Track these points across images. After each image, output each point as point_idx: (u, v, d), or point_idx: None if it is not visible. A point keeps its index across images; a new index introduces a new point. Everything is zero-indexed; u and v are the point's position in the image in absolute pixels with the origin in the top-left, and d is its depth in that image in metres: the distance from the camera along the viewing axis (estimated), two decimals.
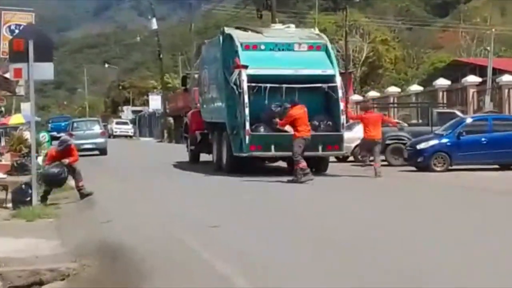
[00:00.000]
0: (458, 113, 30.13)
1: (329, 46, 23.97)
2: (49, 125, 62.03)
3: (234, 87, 22.28)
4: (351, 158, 29.62)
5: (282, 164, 24.25)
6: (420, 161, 24.43)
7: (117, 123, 79.11)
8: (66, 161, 16.77)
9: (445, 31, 79.04)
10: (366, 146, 22.46)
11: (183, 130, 33.86)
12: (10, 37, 21.77)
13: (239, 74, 22.08)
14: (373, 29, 66.04)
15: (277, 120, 21.04)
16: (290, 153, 20.28)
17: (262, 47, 23.22)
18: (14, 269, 9.53)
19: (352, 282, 7.99)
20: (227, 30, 24.37)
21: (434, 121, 27.55)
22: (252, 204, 15.36)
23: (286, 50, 23.34)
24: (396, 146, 27.11)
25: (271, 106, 21.96)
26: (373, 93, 49.42)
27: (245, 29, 25.34)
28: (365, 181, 21.09)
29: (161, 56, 71.65)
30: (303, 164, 19.49)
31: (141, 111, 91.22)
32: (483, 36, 58.34)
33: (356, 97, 49.72)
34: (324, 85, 22.49)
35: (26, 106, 44.66)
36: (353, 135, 29.34)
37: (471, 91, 37.25)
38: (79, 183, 16.97)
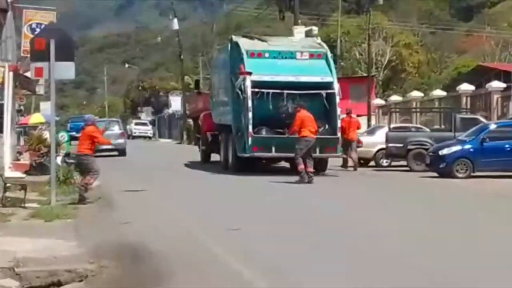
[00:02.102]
0: (482, 119, 29.79)
1: (329, 54, 25.50)
2: (68, 125, 62.18)
3: (239, 92, 23.87)
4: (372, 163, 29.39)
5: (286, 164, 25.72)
6: (442, 167, 24.14)
7: (136, 123, 79.18)
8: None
9: (469, 35, 78.54)
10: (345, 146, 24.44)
11: (196, 131, 36.08)
12: (32, 36, 21.74)
13: (244, 80, 23.72)
14: (397, 32, 65.71)
15: (287, 130, 22.43)
16: (289, 154, 21.85)
17: (266, 55, 24.86)
18: (32, 269, 9.48)
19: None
20: (235, 38, 26.09)
21: (457, 127, 27.23)
22: (273, 206, 15.22)
23: (289, 58, 24.97)
24: (418, 151, 26.84)
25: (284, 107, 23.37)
26: (395, 98, 49.10)
27: (251, 38, 27.22)
28: (386, 184, 20.93)
29: (181, 56, 71.59)
30: (301, 166, 20.49)
31: (160, 112, 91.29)
32: (508, 41, 57.97)
33: (378, 101, 49.44)
34: (323, 92, 23.92)
35: (45, 105, 44.81)
36: (375, 140, 29.22)
37: (495, 96, 36.84)
38: (90, 180, 16.75)
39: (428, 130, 30.27)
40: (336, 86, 24.34)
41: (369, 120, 44.52)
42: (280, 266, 9.08)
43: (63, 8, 60.87)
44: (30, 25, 26.14)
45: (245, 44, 25.21)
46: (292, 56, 25.10)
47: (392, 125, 30.53)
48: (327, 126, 23.92)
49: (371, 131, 32.18)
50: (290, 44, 26.52)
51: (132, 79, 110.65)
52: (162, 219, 13.46)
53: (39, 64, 15.86)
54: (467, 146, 24.09)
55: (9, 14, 24.46)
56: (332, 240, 11.05)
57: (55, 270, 9.45)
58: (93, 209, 15.47)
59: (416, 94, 46.08)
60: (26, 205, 15.59)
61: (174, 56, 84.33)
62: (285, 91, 23.63)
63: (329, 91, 24.12)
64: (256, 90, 23.65)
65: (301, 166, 20.50)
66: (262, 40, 26.52)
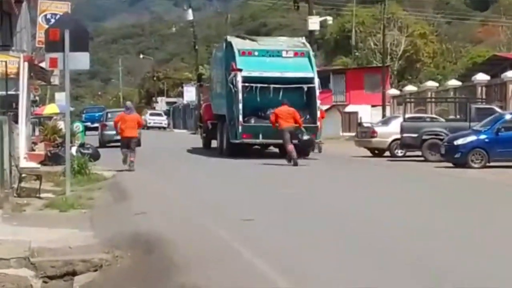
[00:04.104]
0: (497, 109, 29.66)
1: (311, 53, 28.79)
2: (83, 115, 62.33)
3: (232, 86, 27.10)
4: (387, 153, 29.32)
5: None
6: (457, 157, 24.05)
7: (151, 114, 79.11)
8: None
9: (484, 25, 78.08)
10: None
11: (198, 120, 39.60)
12: (46, 26, 21.77)
13: (235, 76, 26.94)
14: (411, 22, 65.36)
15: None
16: (274, 141, 26.07)
17: (256, 53, 28.07)
18: (48, 259, 9.53)
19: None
20: (229, 38, 29.47)
21: (472, 117, 27.10)
22: (287, 199, 15.21)
23: (275, 56, 28.18)
24: (433, 141, 26.73)
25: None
26: (410, 88, 48.92)
27: (243, 38, 30.82)
28: (402, 175, 20.83)
29: (196, 47, 71.54)
30: (288, 148, 23.53)
31: (175, 102, 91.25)
32: None
33: (393, 91, 49.29)
34: (305, 86, 27.19)
35: (60, 96, 44.90)
36: (390, 130, 29.16)
37: (511, 86, 36.65)
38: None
39: (443, 120, 30.18)
40: (316, 81, 27.51)
41: (383, 110, 44.44)
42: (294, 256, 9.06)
43: None
44: (45, 15, 26.20)
45: (237, 43, 28.44)
46: (279, 54, 28.22)
47: (407, 115, 30.45)
48: (308, 116, 26.86)
49: (385, 121, 32.11)
50: (277, 44, 29.76)
51: (147, 69, 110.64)
52: (176, 210, 13.44)
53: (53, 55, 15.87)
54: (482, 136, 23.98)
55: (24, 4, 24.57)
56: (347, 233, 11.02)
57: (70, 259, 9.50)
58: (108, 199, 15.49)
59: (431, 84, 45.90)
60: (41, 195, 15.65)
61: (189, 46, 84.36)
62: (272, 86, 26.75)
63: (310, 85, 27.30)
64: (246, 84, 26.76)
65: (288, 148, 23.56)
66: (253, 40, 29.93)
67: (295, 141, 24.06)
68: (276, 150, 28.25)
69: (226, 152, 27.99)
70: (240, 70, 26.99)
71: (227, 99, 27.80)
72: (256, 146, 28.49)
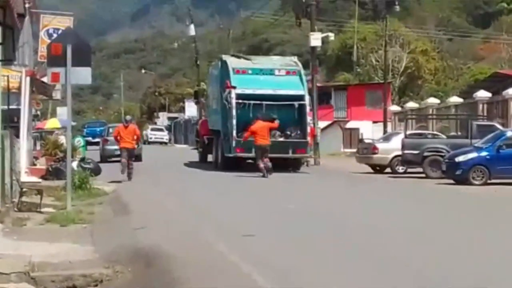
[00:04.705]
0: (498, 126, 29.67)
1: (302, 72, 30.00)
2: (85, 130, 62.32)
3: (226, 102, 28.40)
4: (388, 170, 29.33)
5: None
6: (458, 174, 24.07)
7: (152, 129, 79.04)
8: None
9: (486, 42, 78.19)
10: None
11: (195, 135, 41.11)
12: (48, 41, 21.81)
13: (229, 93, 28.26)
14: (413, 39, 65.47)
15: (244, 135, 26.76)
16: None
17: (250, 71, 29.42)
18: (48, 274, 9.50)
19: None
20: (224, 57, 31.08)
21: (473, 134, 27.11)
22: (288, 212, 15.21)
23: (268, 74, 29.52)
24: (434, 158, 26.75)
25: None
26: (411, 104, 48.94)
27: (238, 57, 32.58)
28: (402, 191, 20.82)
29: (198, 62, 71.57)
30: (260, 166, 25.31)
31: (176, 117, 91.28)
32: None
33: (394, 108, 49.31)
34: (296, 103, 28.48)
35: (61, 111, 44.99)
36: (391, 146, 29.18)
37: None
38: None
39: (444, 137, 30.19)
40: (307, 98, 29.07)
41: (385, 126, 44.44)
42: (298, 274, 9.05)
43: (80, 14, 61.10)
44: (47, 30, 26.23)
45: (232, 62, 29.88)
46: (272, 72, 29.63)
47: (408, 132, 30.49)
48: (298, 132, 28.61)
49: (387, 138, 32.13)
50: (270, 63, 31.52)
51: (148, 84, 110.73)
52: (177, 225, 13.46)
53: (55, 69, 15.87)
54: (484, 153, 24.00)
55: (27, 19, 24.57)
56: (352, 247, 11.02)
57: (70, 274, 9.46)
58: (108, 214, 15.49)
59: (433, 100, 45.89)
60: (42, 209, 15.62)
61: (191, 61, 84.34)
62: (264, 102, 28.08)
63: (301, 102, 28.70)
64: (240, 101, 28.13)
65: (260, 166, 25.33)
66: (247, 59, 31.62)
67: (286, 156, 27.43)
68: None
69: (221, 165, 29.06)
70: (234, 87, 28.34)
71: (222, 115, 29.03)
72: (249, 160, 29.07)
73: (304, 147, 28.64)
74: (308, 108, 29.05)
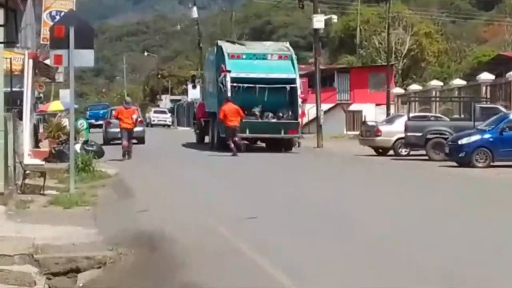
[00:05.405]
0: (502, 108, 29.63)
1: (294, 56, 31.47)
2: (87, 112, 62.25)
3: (221, 86, 29.89)
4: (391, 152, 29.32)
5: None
6: (461, 157, 24.04)
7: (155, 112, 78.96)
8: None
9: (489, 24, 77.91)
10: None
11: (193, 117, 42.44)
12: (51, 23, 21.76)
13: (225, 77, 29.70)
14: (416, 21, 65.23)
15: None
16: (260, 135, 30.44)
17: (244, 56, 30.88)
18: (51, 256, 9.49)
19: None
20: (220, 43, 32.48)
21: (476, 116, 27.07)
22: (288, 197, 15.23)
23: (261, 59, 30.98)
24: (437, 140, 26.71)
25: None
26: (414, 87, 48.88)
27: (233, 42, 34.72)
28: (405, 175, 20.77)
29: (200, 45, 71.42)
30: (231, 146, 26.70)
31: (179, 100, 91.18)
32: None
33: (397, 90, 49.23)
34: (287, 86, 29.94)
35: (64, 93, 44.93)
36: (394, 129, 29.15)
37: None
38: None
39: (447, 119, 30.15)
40: (298, 82, 30.50)
41: (388, 109, 44.40)
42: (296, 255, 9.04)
43: None
44: (50, 12, 26.21)
45: (227, 47, 31.30)
46: (264, 57, 31.07)
47: (411, 114, 30.44)
48: (290, 113, 30.01)
49: (390, 120, 32.11)
50: (263, 48, 32.85)
51: (151, 67, 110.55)
52: (179, 208, 13.48)
53: (58, 52, 15.83)
54: (487, 136, 23.97)
55: (29, 1, 24.51)
56: (351, 231, 11.03)
57: (73, 256, 9.46)
58: (112, 197, 15.51)
59: (436, 83, 45.87)
60: (45, 192, 15.63)
61: (194, 44, 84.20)
62: (258, 86, 29.50)
63: (292, 85, 30.07)
64: (235, 84, 29.40)
65: (230, 146, 26.73)
66: (241, 44, 33.56)
67: (278, 136, 29.42)
68: (263, 144, 31.83)
69: (217, 146, 30.14)
70: (229, 71, 29.74)
71: (218, 98, 30.33)
72: (244, 141, 29.99)
73: (295, 128, 30.20)
74: (299, 91, 30.57)
